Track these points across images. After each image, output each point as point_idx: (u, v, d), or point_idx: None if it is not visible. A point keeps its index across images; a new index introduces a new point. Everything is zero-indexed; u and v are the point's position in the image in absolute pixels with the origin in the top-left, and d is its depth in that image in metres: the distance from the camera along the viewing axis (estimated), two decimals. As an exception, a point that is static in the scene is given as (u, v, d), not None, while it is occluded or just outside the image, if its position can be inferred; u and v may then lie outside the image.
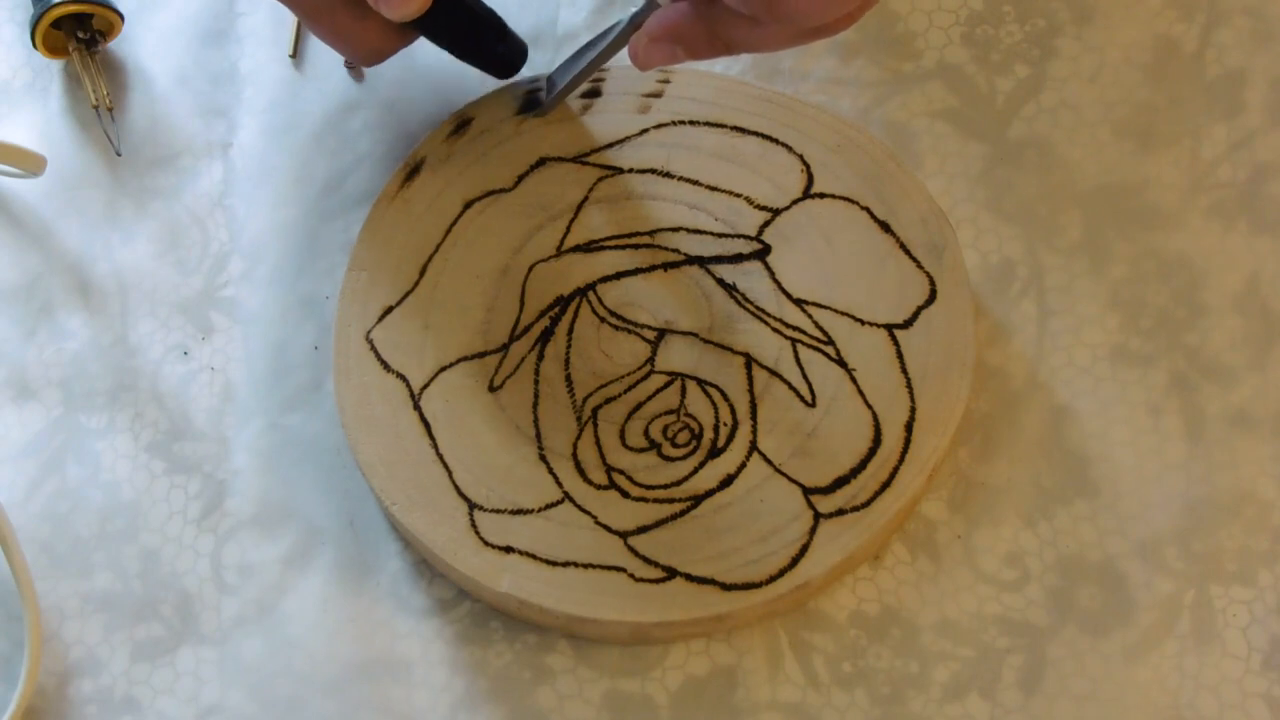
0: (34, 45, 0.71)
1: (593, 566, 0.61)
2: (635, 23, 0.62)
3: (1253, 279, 0.65)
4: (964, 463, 0.63)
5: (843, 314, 0.64)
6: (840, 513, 0.61)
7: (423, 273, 0.66)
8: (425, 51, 0.72)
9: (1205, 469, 0.63)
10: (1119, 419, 0.64)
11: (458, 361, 0.64)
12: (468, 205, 0.67)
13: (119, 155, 0.71)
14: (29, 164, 0.69)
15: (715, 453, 0.62)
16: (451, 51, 0.66)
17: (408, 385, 0.64)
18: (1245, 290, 0.65)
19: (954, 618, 0.61)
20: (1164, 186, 0.67)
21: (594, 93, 0.68)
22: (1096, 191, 0.67)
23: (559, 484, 0.62)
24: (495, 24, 0.66)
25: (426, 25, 0.64)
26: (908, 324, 0.64)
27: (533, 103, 0.68)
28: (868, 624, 0.62)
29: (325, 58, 0.72)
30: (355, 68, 0.72)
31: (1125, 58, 0.69)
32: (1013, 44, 0.70)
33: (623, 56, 0.63)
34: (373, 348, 0.65)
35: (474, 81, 0.71)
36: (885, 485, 0.61)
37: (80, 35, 0.71)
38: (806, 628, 0.62)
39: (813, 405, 0.63)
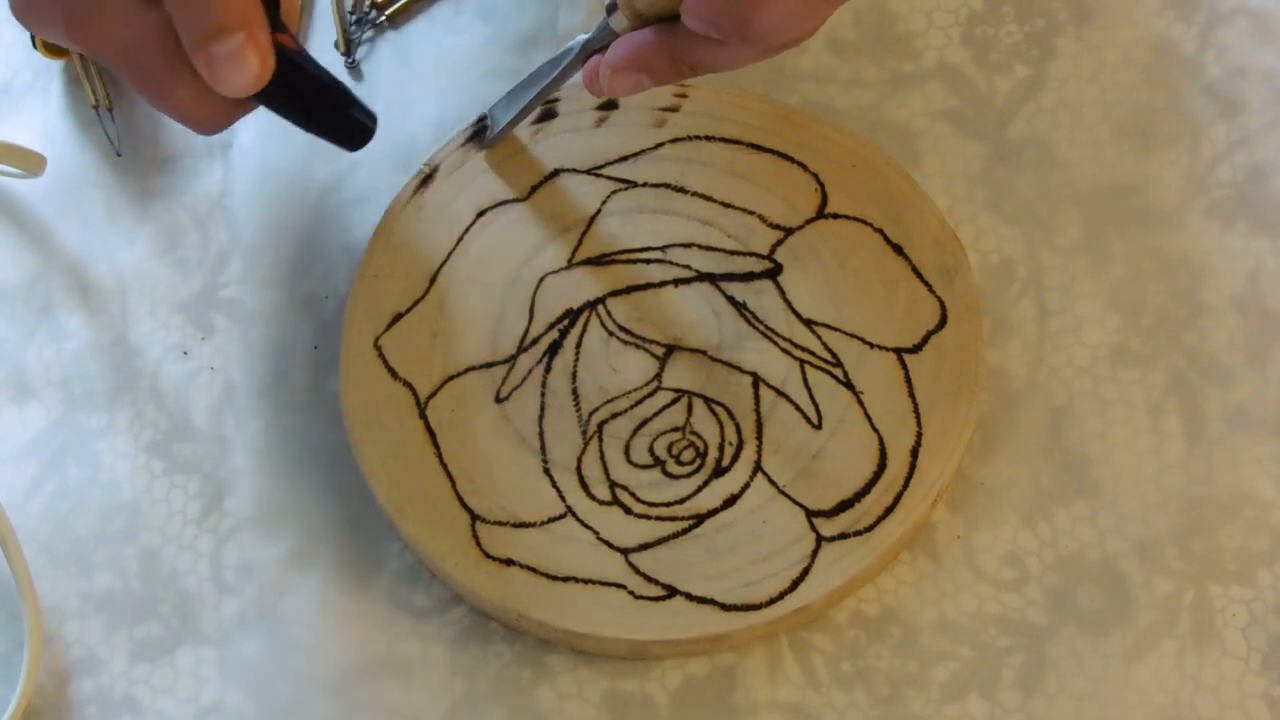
0: (34, 45, 0.71)
1: (593, 582, 0.61)
2: (589, 51, 0.61)
3: (1252, 279, 0.65)
4: (964, 463, 0.63)
5: (852, 336, 0.64)
6: (843, 536, 0.61)
7: (433, 281, 0.66)
8: (424, 52, 0.72)
9: (1205, 469, 0.63)
10: (1119, 419, 0.64)
11: (465, 371, 0.64)
12: (480, 214, 0.67)
13: (119, 155, 0.71)
14: (29, 164, 0.69)
15: (719, 472, 0.62)
16: (296, 122, 0.62)
17: (414, 393, 0.64)
18: (1245, 290, 0.65)
19: (953, 618, 0.61)
20: (1164, 186, 0.67)
21: (610, 105, 0.68)
22: (1096, 191, 0.67)
23: (562, 498, 0.62)
24: (340, 91, 0.62)
25: (268, 96, 0.60)
26: (917, 348, 0.63)
27: (481, 132, 0.68)
28: (867, 624, 0.62)
29: (326, 58, 0.72)
30: (356, 66, 0.72)
31: (1125, 58, 0.69)
32: (1012, 44, 0.70)
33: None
34: (380, 354, 0.65)
35: (475, 83, 0.71)
36: (889, 510, 0.61)
37: (80, 35, 0.71)
38: (806, 628, 0.62)
39: (819, 427, 0.62)
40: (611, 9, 0.58)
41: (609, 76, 0.59)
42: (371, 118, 0.63)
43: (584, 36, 0.61)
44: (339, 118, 0.62)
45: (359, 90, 0.72)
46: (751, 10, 0.53)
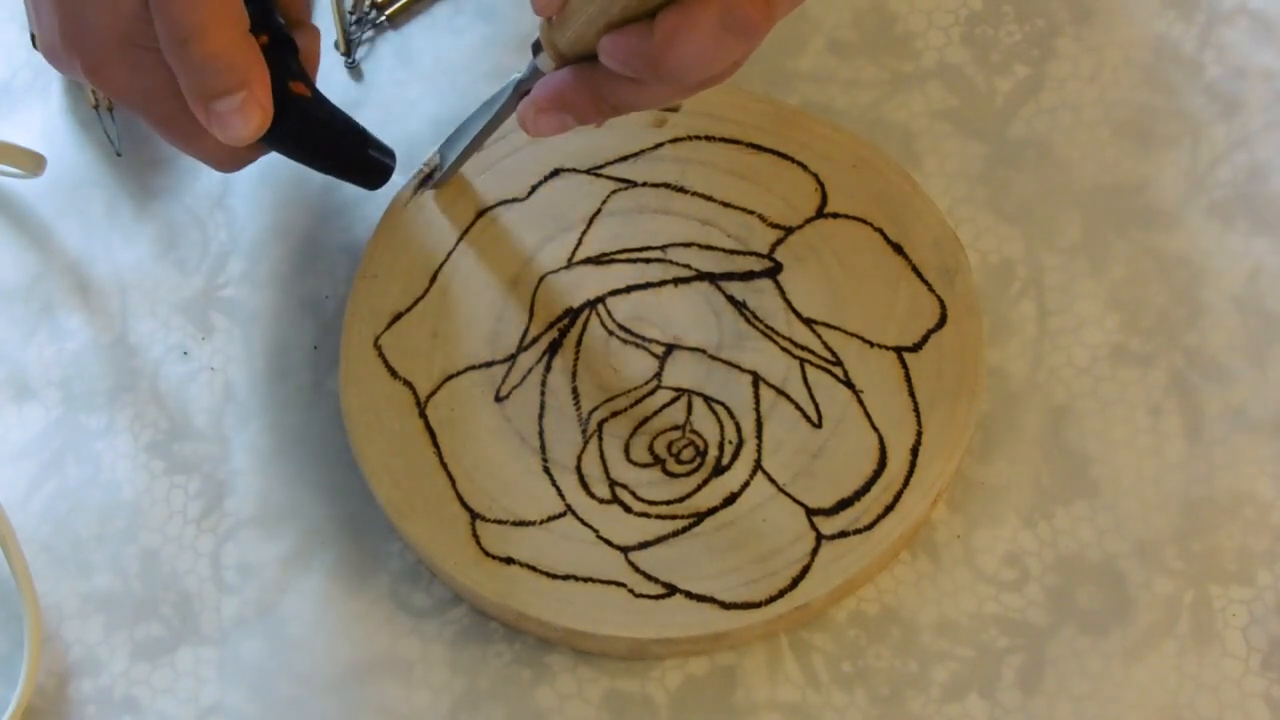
0: (34, 45, 0.71)
1: (593, 581, 0.61)
2: (520, 90, 0.61)
3: (1252, 279, 0.65)
4: (964, 463, 0.63)
5: (852, 335, 0.64)
6: (843, 535, 0.61)
7: (433, 280, 0.66)
8: (424, 52, 0.72)
9: (1205, 469, 0.63)
10: (1119, 419, 0.64)
11: (465, 370, 0.64)
12: (480, 214, 0.67)
13: (119, 155, 0.71)
14: (29, 164, 0.69)
15: (719, 470, 0.62)
16: (311, 166, 0.64)
17: (414, 393, 0.64)
18: (1245, 290, 0.65)
19: (953, 617, 0.61)
20: (1164, 186, 0.67)
21: None
22: (1096, 191, 0.67)
23: (562, 497, 0.62)
24: (356, 135, 0.63)
25: (280, 144, 0.62)
26: (917, 347, 0.63)
27: (429, 180, 0.67)
28: (867, 624, 0.62)
29: (325, 59, 0.72)
30: (356, 66, 0.72)
31: (1125, 58, 0.69)
32: (1012, 44, 0.70)
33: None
34: (380, 354, 0.65)
35: (475, 83, 0.71)
36: (889, 509, 0.61)
37: (80, 35, 0.71)
38: (806, 627, 0.62)
39: (819, 426, 0.63)
40: (537, 49, 0.58)
41: (532, 116, 0.59)
42: (391, 157, 0.64)
43: (517, 76, 0.61)
44: (355, 161, 0.64)
45: (359, 90, 0.72)
46: (662, 50, 0.53)
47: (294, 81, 0.61)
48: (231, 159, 0.63)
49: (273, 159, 0.64)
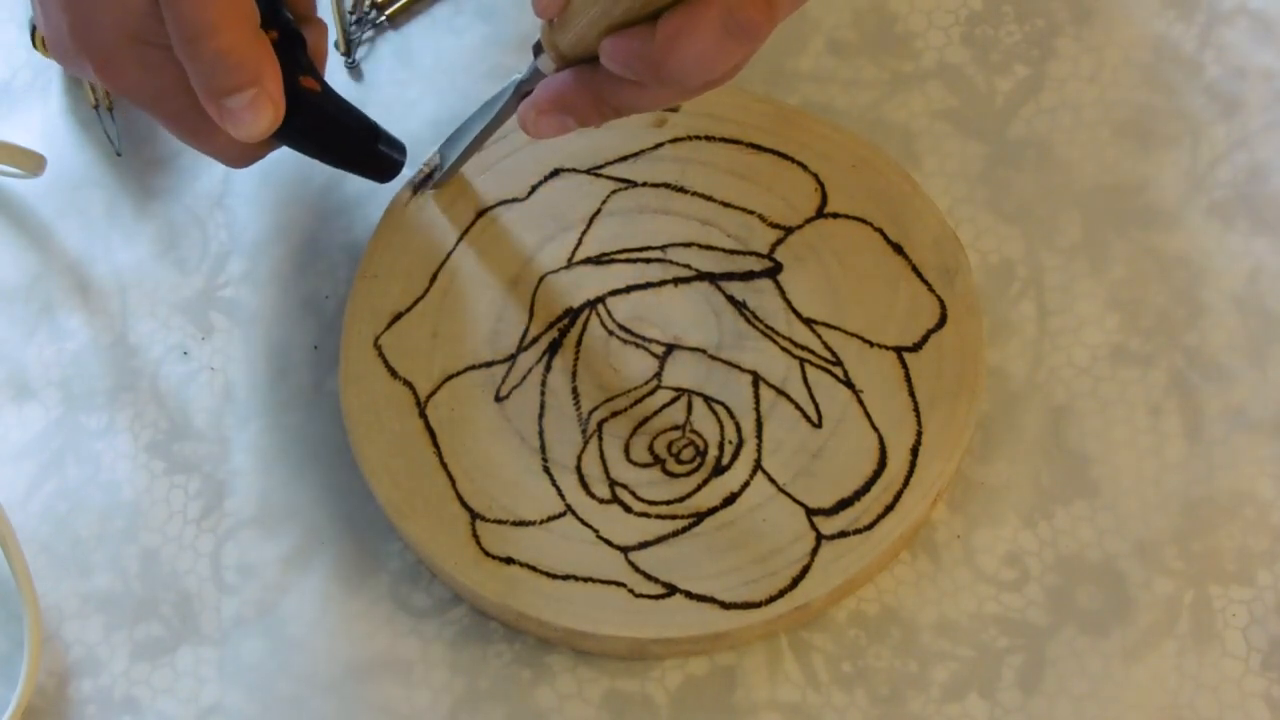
0: (34, 45, 0.71)
1: (592, 580, 0.61)
2: (521, 91, 0.61)
3: (1252, 279, 0.65)
4: (964, 463, 0.63)
5: (852, 335, 0.64)
6: (843, 535, 0.61)
7: (433, 280, 0.66)
8: (424, 52, 0.72)
9: (1205, 469, 0.63)
10: (1119, 419, 0.64)
11: (465, 370, 0.64)
12: (480, 214, 0.67)
13: (119, 155, 0.71)
14: (29, 164, 0.70)
15: (719, 470, 0.62)
16: (322, 160, 0.64)
17: (414, 393, 0.64)
18: (1245, 290, 0.65)
19: (953, 617, 0.61)
20: (1163, 186, 0.67)
21: None
22: (1096, 191, 0.67)
23: (562, 496, 0.62)
24: (366, 129, 0.64)
25: (290, 139, 0.62)
26: (917, 347, 0.63)
27: (428, 180, 0.67)
28: (867, 624, 0.62)
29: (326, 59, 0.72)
30: (356, 66, 0.72)
31: (1125, 58, 0.69)
32: (1012, 44, 0.70)
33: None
34: (380, 354, 0.65)
35: (475, 83, 0.71)
36: (889, 509, 0.61)
37: (80, 35, 0.71)
38: (806, 627, 0.62)
39: (819, 426, 0.63)
40: (538, 50, 0.58)
41: (533, 118, 0.59)
42: (400, 150, 0.64)
43: (517, 77, 0.61)
44: (365, 155, 0.64)
45: (359, 90, 0.72)
46: (664, 53, 0.53)
47: (304, 77, 0.61)
48: (242, 155, 0.63)
49: (274, 158, 0.64)
